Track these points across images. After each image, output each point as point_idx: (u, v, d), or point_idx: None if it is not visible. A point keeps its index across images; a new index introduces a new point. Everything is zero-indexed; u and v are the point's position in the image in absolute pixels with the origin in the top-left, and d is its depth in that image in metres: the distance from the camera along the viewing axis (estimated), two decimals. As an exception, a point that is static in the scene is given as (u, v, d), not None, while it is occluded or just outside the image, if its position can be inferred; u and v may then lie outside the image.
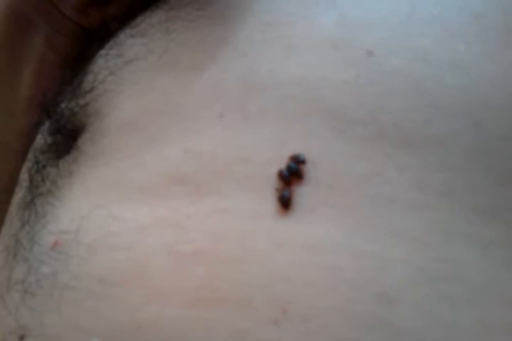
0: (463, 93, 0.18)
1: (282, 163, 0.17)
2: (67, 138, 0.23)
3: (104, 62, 0.24)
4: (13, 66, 0.31)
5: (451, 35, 0.20)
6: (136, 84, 0.22)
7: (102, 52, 0.24)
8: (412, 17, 0.21)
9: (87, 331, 0.16)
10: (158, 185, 0.18)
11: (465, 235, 0.16)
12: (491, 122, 0.18)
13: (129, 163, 0.20)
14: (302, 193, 0.17)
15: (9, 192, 0.26)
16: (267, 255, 0.16)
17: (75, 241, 0.18)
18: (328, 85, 0.19)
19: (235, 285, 0.15)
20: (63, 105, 0.24)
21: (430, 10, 0.21)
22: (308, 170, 0.17)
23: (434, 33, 0.20)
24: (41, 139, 0.25)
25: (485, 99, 0.18)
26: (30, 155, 0.25)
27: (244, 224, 0.16)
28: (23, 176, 0.25)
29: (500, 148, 0.18)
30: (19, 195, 0.24)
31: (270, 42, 0.20)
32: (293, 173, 0.17)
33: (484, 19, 0.21)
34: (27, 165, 0.25)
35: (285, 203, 0.17)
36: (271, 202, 0.17)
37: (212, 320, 0.15)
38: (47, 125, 0.25)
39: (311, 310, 0.15)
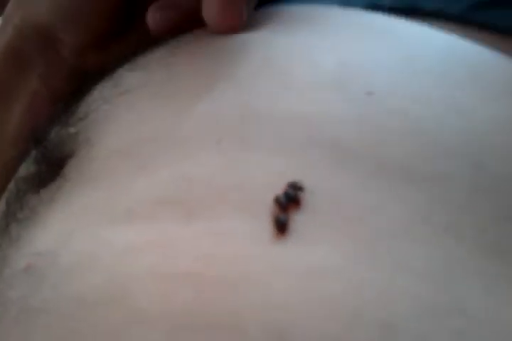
0: (462, 134, 0.18)
1: (279, 191, 0.17)
2: (53, 166, 0.22)
3: (98, 93, 0.23)
4: (5, 100, 0.30)
5: (448, 84, 0.21)
6: (130, 113, 0.21)
7: (98, 84, 0.24)
8: (411, 66, 0.21)
9: None
10: (146, 207, 0.17)
11: (467, 270, 0.15)
12: (491, 163, 0.18)
13: (115, 188, 0.19)
14: (299, 220, 0.16)
15: None
16: (262, 280, 0.15)
17: (51, 263, 0.17)
18: (328, 121, 0.19)
19: (226, 311, 0.14)
20: (53, 133, 0.23)
21: (427, 61, 0.22)
22: (306, 198, 0.17)
23: (433, 80, 0.21)
24: (24, 169, 0.24)
25: (484, 141, 0.18)
26: (11, 185, 0.24)
27: (239, 247, 0.15)
28: (1, 206, 0.24)
29: (503, 187, 0.17)
30: (-7, 224, 0.23)
31: (269, 78, 0.21)
32: (290, 199, 0.16)
33: (479, 72, 0.21)
34: (6, 194, 0.24)
35: (281, 227, 0.16)
36: (267, 227, 0.16)
37: None
38: (33, 154, 0.24)
39: (310, 339, 0.13)
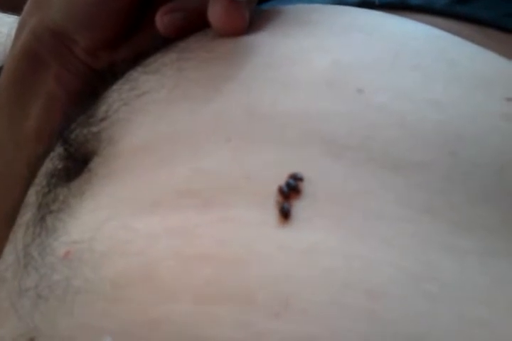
0: (440, 126, 0.21)
1: (282, 181, 0.19)
2: (79, 162, 0.25)
3: (117, 95, 0.26)
4: (22, 100, 0.33)
5: (430, 79, 0.23)
6: (148, 113, 0.24)
7: (115, 87, 0.27)
8: (396, 63, 0.23)
9: (99, 330, 0.17)
10: (168, 198, 0.20)
11: (443, 244, 0.18)
12: (465, 152, 0.20)
13: (140, 181, 0.21)
14: (300, 206, 0.19)
15: (11, 220, 0.27)
16: (269, 258, 0.17)
17: (88, 250, 0.20)
18: (323, 116, 0.21)
19: (240, 284, 0.17)
20: (76, 132, 0.26)
21: (411, 58, 0.24)
22: (306, 187, 0.19)
23: (416, 76, 0.23)
24: (51, 164, 0.27)
25: (460, 133, 0.21)
26: (39, 180, 0.27)
27: (249, 231, 0.18)
28: (31, 199, 0.26)
29: (474, 173, 0.20)
30: (27, 215, 0.25)
31: (271, 79, 0.23)
32: (292, 189, 0.19)
33: (458, 66, 0.24)
34: (35, 188, 0.27)
35: (285, 214, 0.18)
36: (272, 214, 0.18)
37: (219, 314, 0.16)
38: (57, 151, 0.27)
39: (309, 303, 0.16)
